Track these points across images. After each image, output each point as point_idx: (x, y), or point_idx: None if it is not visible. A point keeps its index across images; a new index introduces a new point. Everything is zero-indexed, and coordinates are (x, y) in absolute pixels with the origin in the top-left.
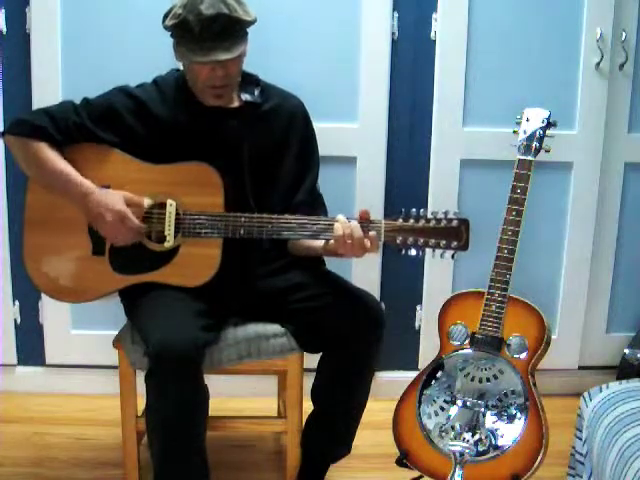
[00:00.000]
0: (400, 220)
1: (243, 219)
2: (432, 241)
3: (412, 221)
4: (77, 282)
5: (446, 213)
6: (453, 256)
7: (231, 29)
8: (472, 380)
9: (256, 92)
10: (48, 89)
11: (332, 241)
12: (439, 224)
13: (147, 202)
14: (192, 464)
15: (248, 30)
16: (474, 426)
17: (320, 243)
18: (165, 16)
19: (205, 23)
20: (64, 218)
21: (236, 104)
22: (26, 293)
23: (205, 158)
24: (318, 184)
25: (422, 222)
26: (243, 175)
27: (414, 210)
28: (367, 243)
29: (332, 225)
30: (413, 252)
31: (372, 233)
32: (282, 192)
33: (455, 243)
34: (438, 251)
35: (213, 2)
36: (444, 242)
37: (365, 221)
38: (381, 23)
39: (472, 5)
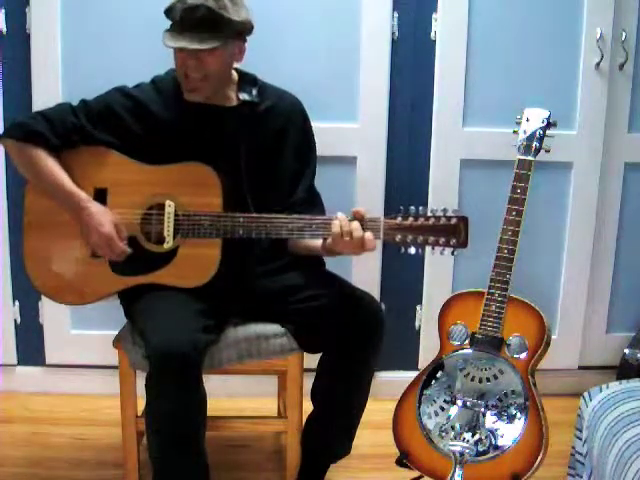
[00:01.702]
0: (399, 218)
1: (242, 219)
2: (431, 239)
3: (411, 219)
4: (77, 284)
5: (445, 211)
6: (453, 252)
7: (211, 23)
8: (472, 380)
9: (254, 91)
10: (48, 89)
11: (330, 239)
12: (438, 222)
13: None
14: (191, 465)
15: (237, 30)
16: (474, 426)
17: (319, 243)
18: None
19: (186, 12)
20: (63, 220)
21: (234, 103)
22: (26, 293)
23: (203, 157)
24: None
25: (421, 220)
26: (241, 174)
27: (413, 208)
28: (366, 242)
29: (330, 224)
30: (412, 250)
31: (368, 234)
32: (280, 190)
33: (454, 240)
34: (438, 248)
35: None
36: (443, 240)
37: (360, 219)
38: (381, 23)
39: (472, 5)
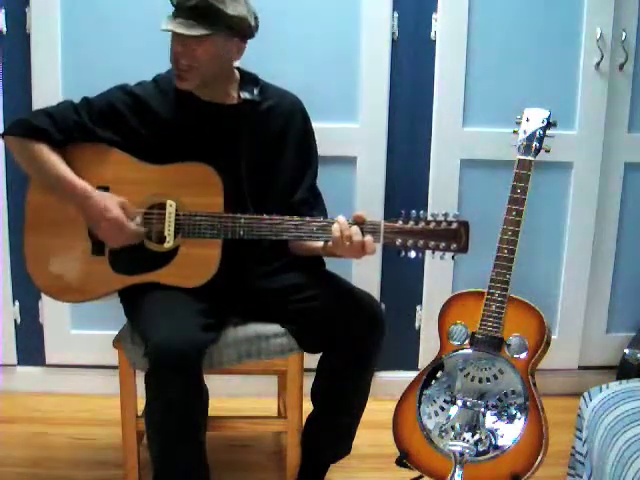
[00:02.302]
0: (400, 222)
1: (242, 220)
2: (431, 243)
3: (412, 223)
4: (78, 282)
5: (446, 215)
6: (453, 257)
7: (203, 11)
8: (472, 380)
9: (255, 91)
10: (48, 89)
11: (330, 242)
12: (438, 226)
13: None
14: (191, 464)
15: (231, 24)
16: (474, 426)
17: (320, 244)
18: None
19: (182, 0)
20: (64, 218)
21: (235, 102)
22: (26, 293)
23: (203, 155)
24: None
25: (422, 224)
26: (241, 173)
27: (414, 212)
28: (366, 246)
29: (330, 227)
30: (413, 254)
31: (368, 238)
32: (281, 191)
33: (454, 245)
34: (438, 253)
35: None
36: (443, 244)
37: (361, 223)
38: (381, 23)
39: (472, 5)
